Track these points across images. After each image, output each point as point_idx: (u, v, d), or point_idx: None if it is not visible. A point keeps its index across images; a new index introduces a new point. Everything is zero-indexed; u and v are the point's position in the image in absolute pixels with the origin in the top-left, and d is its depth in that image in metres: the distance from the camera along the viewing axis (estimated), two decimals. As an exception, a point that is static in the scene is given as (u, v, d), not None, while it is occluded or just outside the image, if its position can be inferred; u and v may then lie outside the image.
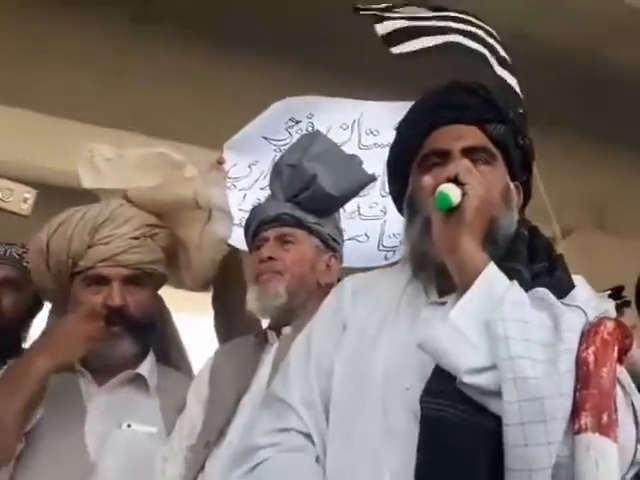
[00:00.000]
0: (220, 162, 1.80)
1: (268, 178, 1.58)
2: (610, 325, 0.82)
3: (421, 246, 0.99)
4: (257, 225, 1.42)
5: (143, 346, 1.45)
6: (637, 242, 4.34)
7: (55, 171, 3.02)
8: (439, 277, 0.99)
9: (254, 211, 1.47)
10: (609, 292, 2.47)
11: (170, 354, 1.57)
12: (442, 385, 0.83)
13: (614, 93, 3.86)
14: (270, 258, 1.36)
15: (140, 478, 1.26)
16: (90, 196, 1.59)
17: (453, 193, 0.90)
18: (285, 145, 1.82)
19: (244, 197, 1.83)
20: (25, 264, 1.65)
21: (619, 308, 2.42)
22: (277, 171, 1.47)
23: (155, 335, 1.49)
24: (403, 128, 1.13)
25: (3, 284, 1.62)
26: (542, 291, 0.89)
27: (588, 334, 0.81)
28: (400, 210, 1.11)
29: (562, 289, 0.92)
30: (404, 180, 1.08)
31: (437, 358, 0.84)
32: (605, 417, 0.76)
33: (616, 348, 0.81)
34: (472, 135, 1.04)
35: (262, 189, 1.78)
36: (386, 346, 0.96)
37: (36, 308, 1.71)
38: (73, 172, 1.62)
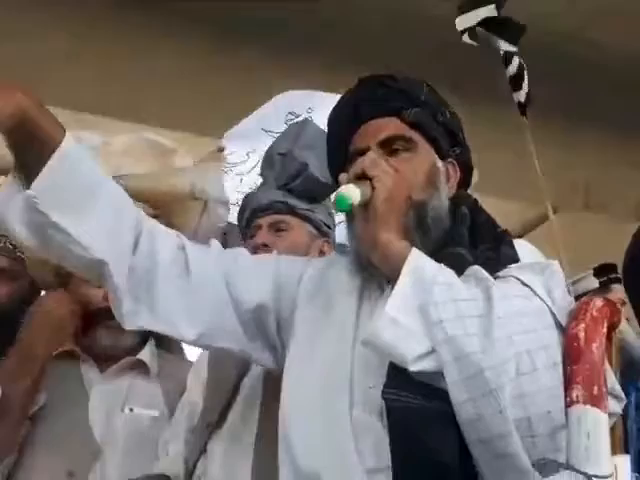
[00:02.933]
0: (220, 149, 1.83)
1: None
2: (599, 303, 0.85)
3: (356, 247, 1.02)
4: (250, 213, 1.44)
5: (144, 333, 1.47)
6: (622, 221, 4.40)
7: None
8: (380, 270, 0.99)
9: (246, 200, 1.49)
10: (592, 270, 2.53)
11: (169, 339, 1.59)
12: (399, 377, 0.85)
13: (599, 75, 3.89)
14: (264, 245, 1.38)
15: (144, 461, 1.29)
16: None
17: (351, 193, 0.92)
18: None
19: (241, 180, 1.90)
20: (19, 254, 1.66)
21: (605, 285, 2.47)
22: (269, 159, 1.49)
23: None
24: (328, 136, 1.16)
25: (-1, 274, 1.63)
26: (474, 268, 0.91)
27: (578, 311, 0.85)
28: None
29: (504, 264, 0.95)
30: None
31: (382, 353, 0.87)
32: (596, 389, 0.79)
33: (605, 324, 0.84)
34: (387, 126, 1.05)
35: (260, 175, 1.83)
36: (349, 344, 0.98)
37: (31, 297, 1.73)
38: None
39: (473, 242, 0.99)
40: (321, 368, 0.98)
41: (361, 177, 0.95)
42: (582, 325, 0.83)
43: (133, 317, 1.00)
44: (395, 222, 0.94)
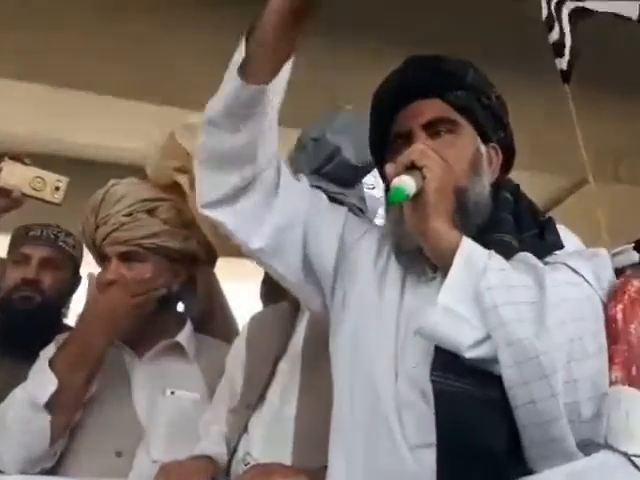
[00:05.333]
0: None
1: None
2: (637, 283, 0.86)
3: (399, 232, 1.03)
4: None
5: (180, 316, 1.52)
6: (654, 192, 4.33)
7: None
8: (423, 256, 1.00)
9: None
10: (633, 244, 2.48)
11: (214, 324, 1.63)
12: (447, 361, 0.86)
13: (630, 44, 3.80)
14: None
15: (187, 442, 1.32)
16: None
17: (406, 184, 0.91)
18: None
19: None
20: (61, 244, 1.72)
21: None
22: (301, 145, 1.50)
23: (173, 305, 1.55)
24: (371, 116, 1.16)
25: (42, 264, 1.68)
26: (523, 255, 0.92)
27: (616, 293, 0.86)
28: None
29: (550, 250, 0.96)
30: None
31: (438, 342, 0.88)
32: (634, 370, 0.81)
33: (643, 305, 0.85)
34: (432, 108, 1.05)
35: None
36: (394, 324, 1.01)
37: (74, 285, 1.79)
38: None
39: (517, 228, 0.99)
40: (368, 345, 1.02)
41: (410, 167, 0.94)
42: (620, 306, 0.84)
43: (215, 204, 1.05)
44: (445, 211, 0.94)
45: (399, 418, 0.93)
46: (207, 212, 1.06)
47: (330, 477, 1.04)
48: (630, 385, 0.80)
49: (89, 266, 1.74)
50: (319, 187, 1.44)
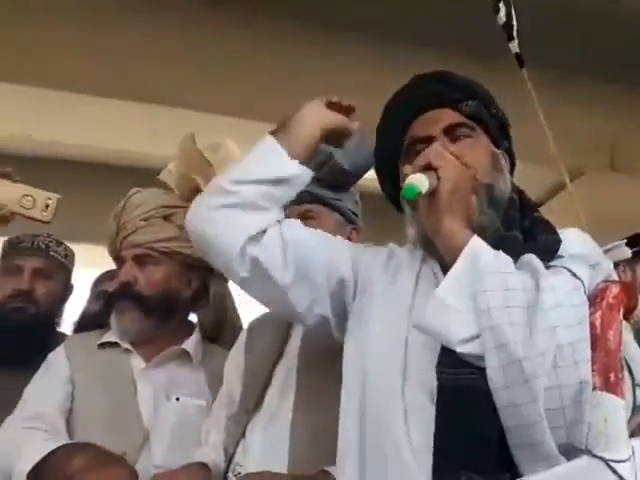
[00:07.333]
0: None
1: None
2: (615, 289, 0.87)
3: (424, 232, 1.04)
4: (280, 207, 1.47)
5: (190, 323, 1.55)
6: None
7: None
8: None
9: None
10: (626, 240, 2.46)
11: (223, 339, 1.63)
12: (450, 356, 0.88)
13: (623, 33, 3.80)
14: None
15: (190, 447, 1.35)
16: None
17: (420, 182, 0.95)
18: None
19: None
20: (52, 253, 1.73)
21: (638, 255, 2.41)
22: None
23: (176, 310, 1.54)
24: (382, 129, 1.19)
25: (35, 275, 1.69)
26: (528, 256, 0.94)
27: (595, 299, 0.86)
28: (399, 209, 1.15)
29: (548, 251, 0.97)
30: (397, 179, 1.12)
31: (431, 335, 0.90)
32: (612, 376, 0.82)
33: (622, 310, 0.86)
34: (448, 115, 1.10)
35: None
36: (404, 326, 1.01)
37: (67, 294, 1.80)
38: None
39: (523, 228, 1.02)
40: (378, 347, 1.02)
41: (426, 168, 0.98)
42: (599, 313, 0.85)
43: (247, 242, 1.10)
44: (459, 211, 0.97)
45: (405, 421, 0.94)
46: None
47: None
48: (608, 391, 0.81)
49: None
50: (313, 193, 1.45)
